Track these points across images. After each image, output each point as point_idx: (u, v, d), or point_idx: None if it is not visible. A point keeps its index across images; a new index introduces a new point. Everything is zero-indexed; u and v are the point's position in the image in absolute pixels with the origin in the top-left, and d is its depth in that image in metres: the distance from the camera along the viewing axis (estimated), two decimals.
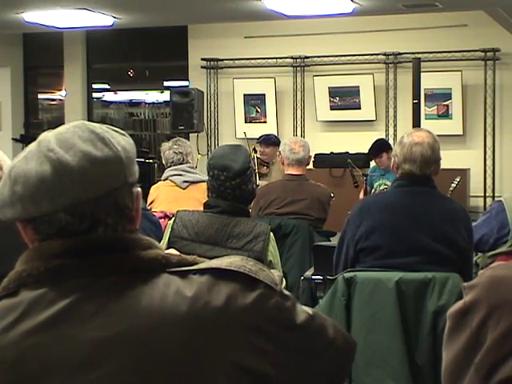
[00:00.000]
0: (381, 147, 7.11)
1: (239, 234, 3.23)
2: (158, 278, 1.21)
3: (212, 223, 3.26)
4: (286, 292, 1.27)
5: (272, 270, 1.30)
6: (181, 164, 5.07)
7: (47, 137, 1.24)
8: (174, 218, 3.37)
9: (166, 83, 10.60)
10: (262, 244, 3.22)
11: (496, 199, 4.25)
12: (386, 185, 6.77)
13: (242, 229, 3.24)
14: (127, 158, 1.24)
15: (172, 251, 1.39)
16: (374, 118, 9.42)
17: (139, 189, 1.30)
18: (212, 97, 10.09)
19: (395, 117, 9.35)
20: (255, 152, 7.04)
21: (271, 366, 1.21)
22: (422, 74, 6.22)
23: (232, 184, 3.26)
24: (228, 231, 3.23)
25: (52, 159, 1.19)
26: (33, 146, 1.25)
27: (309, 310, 1.31)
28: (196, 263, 1.25)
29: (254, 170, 3.49)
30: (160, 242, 3.28)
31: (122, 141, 1.27)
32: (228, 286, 1.21)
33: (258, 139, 7.28)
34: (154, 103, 10.93)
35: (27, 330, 1.16)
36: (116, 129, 1.30)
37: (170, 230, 3.33)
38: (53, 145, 1.21)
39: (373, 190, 6.81)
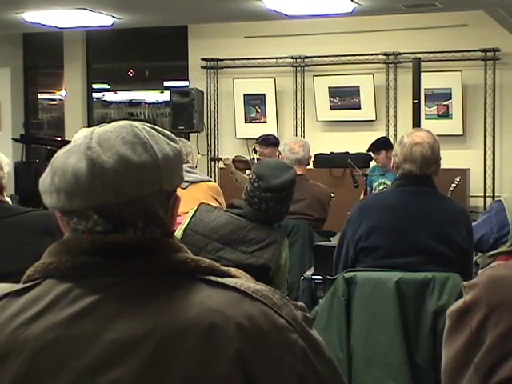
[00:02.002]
0: (381, 144, 7.13)
1: (252, 240, 3.20)
2: (184, 284, 1.20)
3: (228, 223, 3.24)
4: (314, 334, 1.24)
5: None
6: None
7: (93, 132, 1.24)
8: (194, 210, 3.36)
9: (165, 83, 10.60)
10: (272, 252, 3.19)
11: (496, 199, 4.25)
12: (385, 184, 6.77)
13: (257, 235, 3.21)
14: (167, 166, 1.23)
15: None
16: (374, 118, 9.42)
17: (179, 196, 1.29)
18: (212, 97, 10.09)
19: (395, 117, 9.36)
20: (255, 152, 7.04)
21: None
22: (422, 73, 6.22)
23: (262, 195, 3.23)
24: (242, 235, 3.21)
25: (89, 158, 1.19)
26: (79, 138, 1.25)
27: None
28: (228, 275, 1.23)
29: (290, 199, 3.41)
30: None
31: (167, 148, 1.25)
32: (252, 307, 1.20)
33: (257, 139, 7.28)
34: (153, 103, 10.93)
35: (49, 325, 1.16)
36: (167, 133, 1.29)
37: (188, 221, 3.32)
38: (94, 143, 1.21)
39: (372, 190, 6.81)
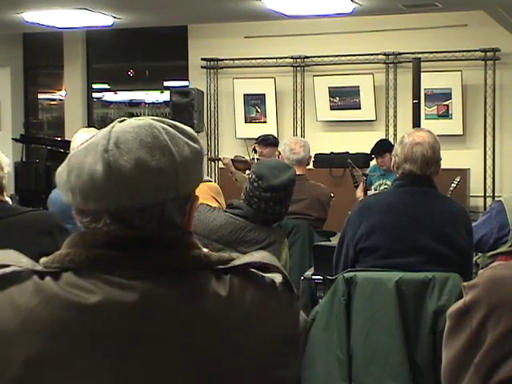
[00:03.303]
0: (385, 147, 7.10)
1: (252, 240, 3.20)
2: (197, 278, 1.20)
3: (227, 224, 3.23)
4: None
5: None
6: None
7: (111, 131, 1.21)
8: None
9: (166, 83, 10.60)
10: (272, 252, 3.18)
11: (496, 199, 4.25)
12: (386, 185, 6.77)
13: (257, 235, 3.20)
14: (185, 171, 1.21)
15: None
16: (374, 118, 9.42)
17: (197, 195, 1.28)
18: (212, 97, 10.09)
19: (395, 117, 9.35)
20: (255, 152, 7.04)
21: (289, 370, 1.24)
22: (422, 73, 6.22)
23: (261, 195, 3.22)
24: (241, 235, 3.21)
25: (105, 161, 1.17)
26: (98, 136, 1.22)
27: None
28: (232, 259, 1.25)
29: (290, 199, 3.39)
30: None
31: (186, 150, 1.22)
32: (255, 289, 1.23)
33: (256, 140, 7.28)
34: (153, 103, 10.93)
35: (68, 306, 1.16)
36: (189, 132, 1.26)
37: None
38: (111, 145, 1.18)
39: (372, 190, 6.81)
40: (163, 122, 1.24)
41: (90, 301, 1.15)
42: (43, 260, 1.22)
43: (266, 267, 1.26)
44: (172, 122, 1.26)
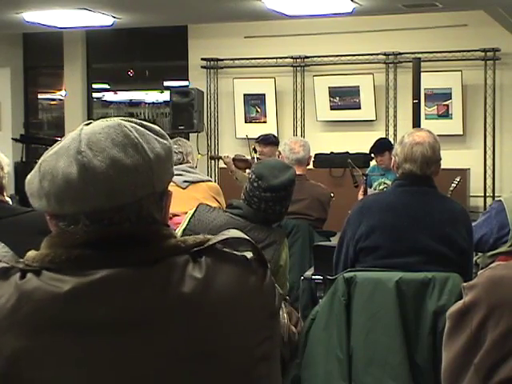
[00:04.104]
0: (384, 146, 7.13)
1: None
2: (172, 263, 1.21)
3: (227, 224, 3.22)
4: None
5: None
6: (181, 164, 5.06)
7: (81, 134, 1.21)
8: (193, 211, 3.35)
9: (165, 83, 10.60)
10: (272, 253, 3.18)
11: (496, 199, 4.24)
12: (385, 184, 6.77)
13: (257, 235, 3.19)
14: (158, 167, 1.22)
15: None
16: (374, 118, 9.42)
17: (170, 191, 1.29)
18: (212, 97, 10.09)
19: (395, 117, 9.35)
20: (255, 152, 7.04)
21: (273, 342, 1.26)
22: (422, 73, 6.22)
23: (261, 195, 3.23)
24: None
25: (80, 162, 1.17)
26: (67, 140, 1.23)
27: None
28: (207, 240, 1.26)
29: (290, 199, 3.39)
30: None
31: (158, 147, 1.23)
32: (233, 267, 1.24)
33: (256, 139, 7.28)
34: (153, 103, 10.93)
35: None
36: (156, 129, 1.27)
37: (187, 221, 3.31)
38: (83, 146, 1.18)
39: (372, 189, 6.82)
40: (131, 122, 1.25)
41: (63, 289, 1.15)
42: (27, 257, 1.22)
43: (238, 242, 1.27)
44: (139, 120, 1.27)
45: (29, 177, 1.23)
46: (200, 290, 1.19)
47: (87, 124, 1.24)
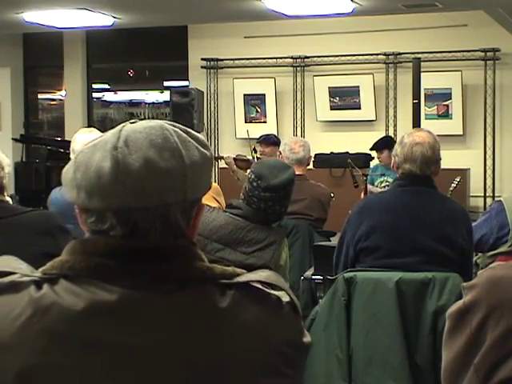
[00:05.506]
0: (384, 143, 7.22)
1: (251, 240, 3.19)
2: (198, 290, 1.18)
3: (227, 224, 3.22)
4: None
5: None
6: None
7: (122, 130, 1.20)
8: None
9: (166, 83, 10.60)
10: (272, 253, 3.18)
11: (496, 199, 4.25)
12: (387, 182, 6.80)
13: (256, 235, 3.20)
14: (194, 174, 1.19)
15: None
16: (374, 118, 9.42)
17: (203, 204, 1.26)
18: (212, 97, 10.09)
19: (395, 117, 9.36)
20: (255, 152, 7.05)
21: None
22: (422, 73, 6.23)
23: (261, 195, 3.22)
24: (241, 235, 3.20)
25: (114, 158, 1.15)
26: (107, 134, 1.21)
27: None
28: (236, 275, 1.22)
29: (289, 199, 3.38)
30: None
31: (196, 155, 1.20)
32: (259, 305, 1.21)
33: (257, 139, 7.29)
34: (153, 103, 10.93)
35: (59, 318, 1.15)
36: (199, 138, 1.24)
37: None
38: (121, 142, 1.17)
39: (374, 187, 6.86)
40: (175, 126, 1.23)
41: (78, 307, 1.14)
42: (46, 266, 1.20)
43: (271, 285, 1.23)
44: (184, 127, 1.25)
45: (66, 166, 1.22)
46: (217, 319, 1.17)
47: (132, 122, 1.23)
